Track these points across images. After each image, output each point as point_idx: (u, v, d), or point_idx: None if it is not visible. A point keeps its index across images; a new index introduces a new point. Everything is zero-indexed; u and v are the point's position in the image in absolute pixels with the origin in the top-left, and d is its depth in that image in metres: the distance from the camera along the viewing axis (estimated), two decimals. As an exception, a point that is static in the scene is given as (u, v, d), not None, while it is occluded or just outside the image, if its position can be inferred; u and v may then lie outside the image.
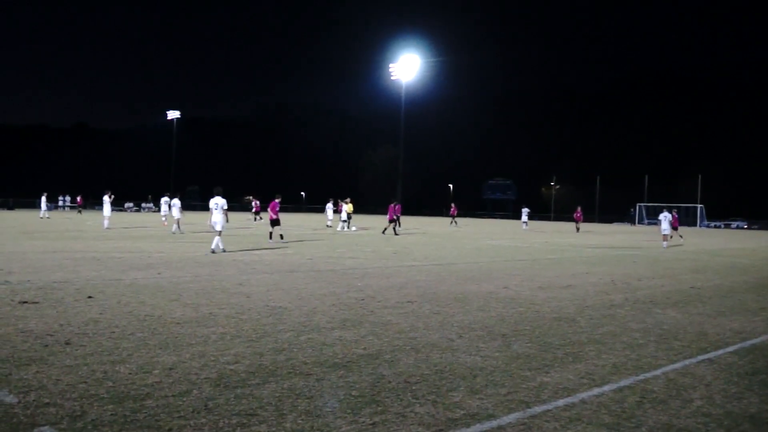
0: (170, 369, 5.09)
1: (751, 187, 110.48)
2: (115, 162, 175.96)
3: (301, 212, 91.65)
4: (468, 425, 4.05)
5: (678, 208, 39.29)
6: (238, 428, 3.86)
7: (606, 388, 5.00)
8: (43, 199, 43.38)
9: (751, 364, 6.04)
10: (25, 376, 4.75)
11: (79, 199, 55.77)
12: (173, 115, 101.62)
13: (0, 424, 3.80)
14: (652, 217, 74.06)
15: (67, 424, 3.81)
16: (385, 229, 30.27)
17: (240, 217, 45.92)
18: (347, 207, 33.75)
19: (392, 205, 30.59)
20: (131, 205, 79.60)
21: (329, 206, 36.98)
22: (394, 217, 30.35)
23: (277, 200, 22.08)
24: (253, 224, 36.94)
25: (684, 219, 72.57)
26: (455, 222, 48.22)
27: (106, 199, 28.43)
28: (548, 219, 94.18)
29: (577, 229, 43.76)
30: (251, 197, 43.30)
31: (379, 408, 4.31)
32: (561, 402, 4.59)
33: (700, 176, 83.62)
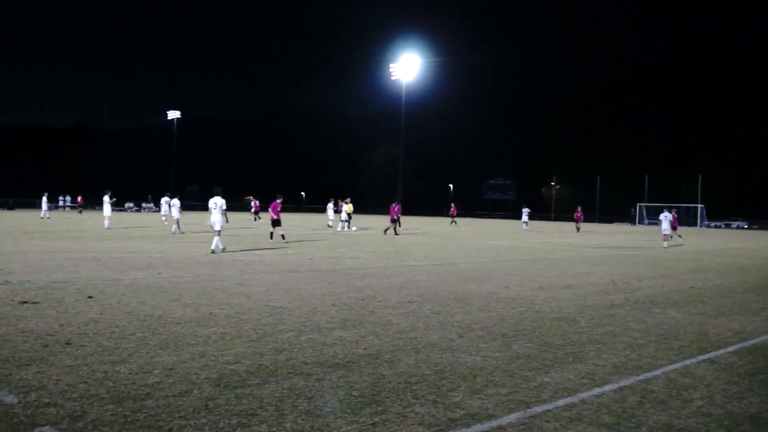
0: (170, 369, 5.09)
1: (752, 187, 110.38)
2: (116, 162, 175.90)
3: (301, 212, 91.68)
4: (468, 425, 4.05)
5: (678, 208, 39.35)
6: (239, 428, 3.86)
7: (606, 388, 5.00)
8: (44, 199, 43.40)
9: (752, 364, 6.04)
10: (25, 376, 4.75)
11: (79, 199, 55.80)
12: (173, 115, 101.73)
13: (0, 424, 3.80)
14: (653, 217, 74.08)
15: (67, 424, 3.81)
16: (387, 229, 30.29)
17: (240, 217, 45.93)
18: (347, 207, 33.76)
19: (393, 204, 30.63)
20: (131, 205, 79.65)
21: (330, 206, 36.99)
22: (395, 217, 30.35)
23: (278, 200, 22.03)
24: (253, 224, 36.94)
25: (684, 219, 72.63)
26: (455, 222, 48.23)
27: (106, 199, 28.43)
28: (548, 219, 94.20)
29: (578, 229, 43.78)
30: (251, 197, 43.19)
31: (380, 408, 4.31)
32: (561, 402, 4.59)
33: (700, 176, 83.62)
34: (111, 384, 4.63)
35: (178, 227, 26.14)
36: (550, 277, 13.00)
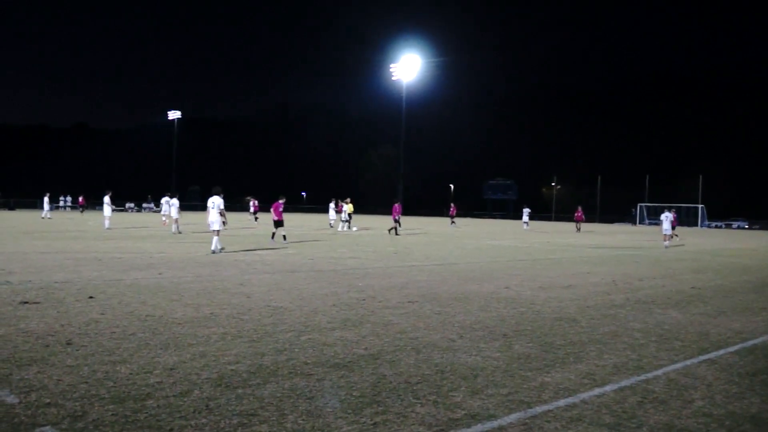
0: (171, 369, 5.09)
1: (752, 187, 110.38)
2: (116, 162, 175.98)
3: (301, 212, 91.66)
4: (469, 425, 4.05)
5: (679, 208, 39.30)
6: (239, 428, 3.86)
7: (607, 388, 5.00)
8: (46, 199, 43.45)
9: (753, 364, 6.04)
10: (26, 376, 4.75)
11: (80, 199, 55.81)
12: (174, 115, 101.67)
13: (1, 424, 3.80)
14: (653, 217, 74.06)
15: (68, 425, 3.82)
16: (391, 229, 30.26)
17: (240, 218, 45.94)
18: (348, 207, 33.77)
19: (396, 204, 30.66)
20: (132, 205, 79.64)
21: (332, 206, 36.99)
22: (396, 217, 30.33)
23: (280, 201, 21.96)
24: (253, 224, 36.94)
25: (685, 219, 72.60)
26: (454, 222, 48.19)
27: (107, 199, 28.45)
28: (549, 219, 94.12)
29: (578, 229, 43.73)
30: (250, 197, 43.10)
31: (380, 408, 4.31)
32: (562, 402, 4.59)
33: (701, 176, 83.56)
34: (112, 384, 4.64)
35: (177, 227, 26.15)
36: (551, 277, 13.00)
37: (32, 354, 5.44)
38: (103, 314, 7.37)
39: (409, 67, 71.87)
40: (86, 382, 4.65)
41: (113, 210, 29.40)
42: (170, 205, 28.75)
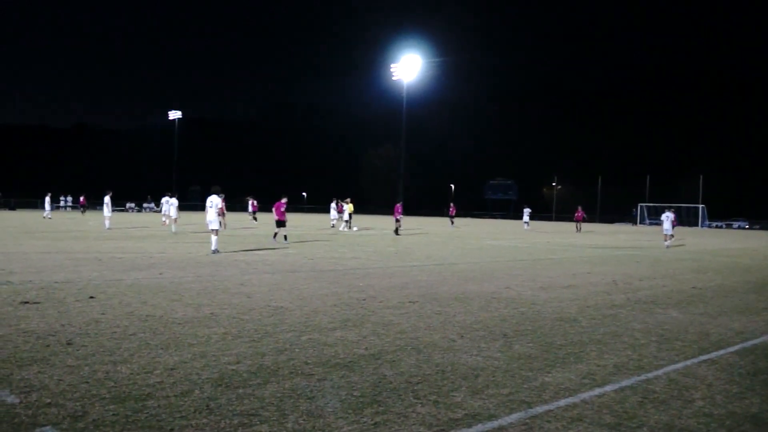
0: (172, 369, 5.09)
1: (753, 187, 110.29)
2: (117, 162, 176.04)
3: (302, 212, 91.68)
4: (470, 425, 4.05)
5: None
6: (240, 428, 3.86)
7: (607, 388, 5.00)
8: (47, 199, 43.50)
9: (753, 364, 6.04)
10: (26, 376, 4.75)
11: (82, 199, 55.82)
12: (175, 115, 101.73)
13: (2, 424, 3.80)
14: (654, 217, 74.05)
15: (68, 425, 3.82)
16: (396, 229, 30.19)
17: (241, 218, 45.92)
18: (348, 207, 33.77)
19: (398, 204, 30.65)
20: (133, 205, 79.68)
21: (333, 206, 37.01)
22: (398, 217, 30.31)
23: (282, 201, 21.92)
24: (254, 224, 36.95)
25: (686, 219, 72.61)
26: (453, 222, 48.16)
27: (107, 199, 28.46)
28: (549, 219, 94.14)
29: (578, 229, 43.67)
30: (249, 197, 43.00)
31: (381, 408, 4.31)
32: (563, 402, 4.59)
33: (701, 176, 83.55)
34: (112, 384, 4.64)
35: (169, 225, 26.14)
36: (552, 277, 13.00)
37: (33, 354, 5.45)
38: (103, 314, 7.37)
39: (409, 67, 71.84)
40: (87, 382, 4.66)
41: (111, 210, 29.37)
42: (170, 204, 28.76)
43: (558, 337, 6.88)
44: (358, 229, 33.91)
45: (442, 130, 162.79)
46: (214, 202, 16.59)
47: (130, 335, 6.30)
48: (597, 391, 4.91)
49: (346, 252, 18.47)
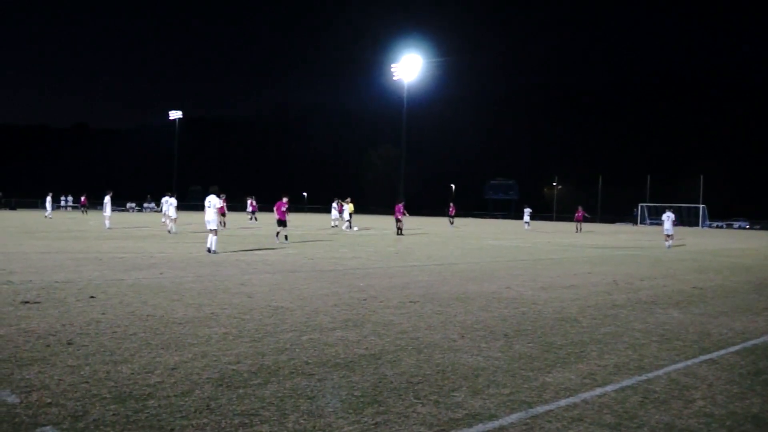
0: (172, 369, 5.09)
1: (754, 187, 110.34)
2: (117, 162, 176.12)
3: (302, 212, 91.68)
4: (470, 425, 4.05)
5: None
6: (240, 428, 3.86)
7: (608, 388, 5.00)
8: (48, 199, 43.53)
9: (754, 364, 6.04)
10: (27, 376, 4.75)
11: (82, 199, 55.83)
12: (175, 115, 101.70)
13: (2, 424, 3.80)
14: (655, 217, 74.00)
15: (69, 424, 3.82)
16: (400, 230, 30.06)
17: (241, 218, 45.93)
18: (348, 207, 33.76)
19: (400, 204, 30.62)
20: (133, 205, 79.67)
21: (334, 206, 37.02)
22: (398, 217, 30.31)
23: (284, 200, 21.91)
24: (255, 224, 36.95)
25: (686, 219, 72.57)
26: (452, 222, 48.14)
27: (107, 199, 28.44)
28: (550, 219, 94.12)
29: (578, 229, 43.52)
30: (248, 197, 42.97)
31: (381, 408, 4.31)
32: (563, 402, 4.58)
33: (702, 176, 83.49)
34: (113, 384, 4.64)
35: (173, 226, 26.13)
36: (552, 277, 12.99)
37: (33, 354, 5.45)
38: (104, 314, 7.38)
39: (410, 67, 71.79)
40: (87, 382, 4.65)
41: (112, 210, 29.37)
42: (169, 204, 28.74)
43: (559, 337, 6.88)
44: (359, 229, 33.91)
45: (443, 130, 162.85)
46: (212, 202, 16.58)
47: (131, 335, 6.30)
48: (598, 391, 4.91)
49: (347, 252, 18.47)
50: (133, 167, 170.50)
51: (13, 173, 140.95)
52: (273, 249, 18.40)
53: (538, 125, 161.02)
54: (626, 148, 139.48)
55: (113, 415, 3.99)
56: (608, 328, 7.58)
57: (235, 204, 55.72)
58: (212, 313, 7.65)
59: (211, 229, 16.42)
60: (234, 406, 4.24)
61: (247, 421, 3.98)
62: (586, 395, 4.77)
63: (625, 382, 5.17)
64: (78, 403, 4.18)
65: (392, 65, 73.61)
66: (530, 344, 6.48)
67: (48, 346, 5.75)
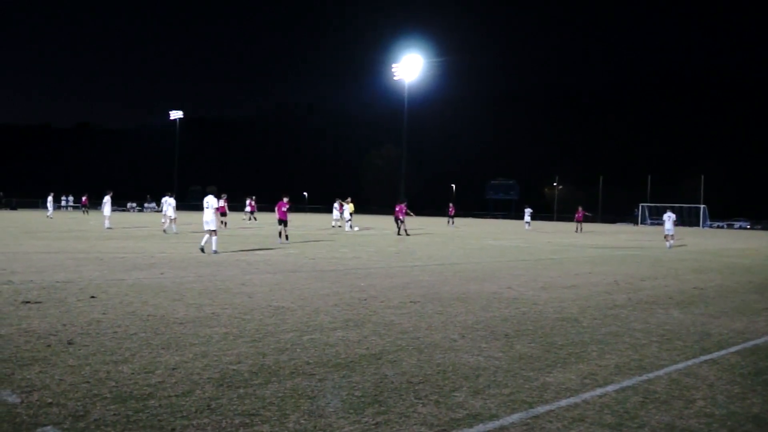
0: (173, 369, 5.09)
1: (754, 187, 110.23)
2: (118, 162, 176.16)
3: (303, 212, 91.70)
4: (471, 425, 4.05)
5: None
6: (241, 428, 3.86)
7: (609, 388, 5.00)
8: (50, 199, 43.57)
9: (754, 364, 6.03)
10: (27, 376, 4.76)
11: (84, 199, 55.87)
12: (176, 115, 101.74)
13: (3, 424, 3.80)
14: (655, 217, 73.96)
15: (69, 424, 3.82)
16: (405, 229, 29.99)
17: (241, 218, 45.91)
18: (349, 207, 33.75)
19: (403, 204, 30.60)
20: (134, 204, 79.71)
21: (336, 206, 37.02)
22: (400, 217, 30.31)
23: (284, 200, 21.91)
24: (254, 224, 36.96)
25: (687, 219, 72.51)
26: (452, 222, 48.11)
27: (107, 199, 28.44)
28: (550, 219, 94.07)
29: (578, 229, 43.45)
30: (248, 197, 42.94)
31: (382, 408, 4.31)
32: (564, 402, 4.58)
33: (702, 176, 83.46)
34: (113, 384, 4.64)
35: (171, 226, 26.13)
36: (553, 277, 12.99)
37: (34, 354, 5.45)
38: (104, 314, 7.38)
39: (410, 67, 71.80)
40: (88, 382, 4.66)
41: (112, 210, 29.38)
42: (168, 204, 28.73)
43: (559, 337, 6.88)
44: (359, 229, 33.91)
45: (443, 130, 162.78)
46: (210, 202, 16.54)
47: (132, 335, 6.31)
48: (598, 391, 4.91)
49: (348, 252, 18.47)
50: (135, 167, 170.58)
51: (15, 173, 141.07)
52: (274, 249, 18.41)
53: (539, 125, 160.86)
54: (627, 148, 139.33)
55: (114, 415, 4.00)
56: (609, 328, 7.58)
57: (236, 204, 55.79)
58: (213, 313, 7.65)
59: (209, 230, 16.35)
60: (235, 406, 4.24)
61: (247, 421, 3.98)
62: (586, 395, 4.77)
63: (626, 382, 5.17)
64: (79, 403, 4.18)
65: (393, 65, 73.61)
66: (531, 344, 6.48)
67: (49, 346, 5.75)
